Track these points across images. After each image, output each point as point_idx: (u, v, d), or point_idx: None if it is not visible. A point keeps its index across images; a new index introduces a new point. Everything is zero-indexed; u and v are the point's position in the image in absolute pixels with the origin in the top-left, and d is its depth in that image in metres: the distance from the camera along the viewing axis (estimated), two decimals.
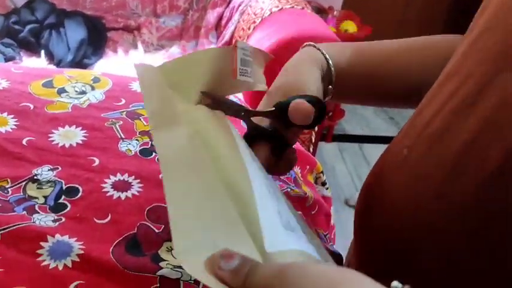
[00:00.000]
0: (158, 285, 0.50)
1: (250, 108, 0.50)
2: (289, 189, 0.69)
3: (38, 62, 1.69)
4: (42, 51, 1.74)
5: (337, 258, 0.65)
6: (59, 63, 1.70)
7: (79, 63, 1.72)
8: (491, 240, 0.33)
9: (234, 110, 0.48)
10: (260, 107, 0.51)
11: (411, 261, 0.39)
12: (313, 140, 1.78)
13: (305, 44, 0.57)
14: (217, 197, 0.32)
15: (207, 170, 0.34)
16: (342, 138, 2.43)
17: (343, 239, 0.84)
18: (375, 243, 0.45)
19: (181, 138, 0.35)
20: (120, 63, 1.76)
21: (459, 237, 0.35)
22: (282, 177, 0.72)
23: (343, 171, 2.19)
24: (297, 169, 0.79)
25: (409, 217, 0.39)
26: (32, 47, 1.77)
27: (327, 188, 0.87)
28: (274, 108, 0.47)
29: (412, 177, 0.40)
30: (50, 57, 1.73)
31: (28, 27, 1.79)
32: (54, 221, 0.57)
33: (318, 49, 0.54)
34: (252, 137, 0.49)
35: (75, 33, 1.81)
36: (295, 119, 0.46)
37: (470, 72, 0.38)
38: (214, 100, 0.45)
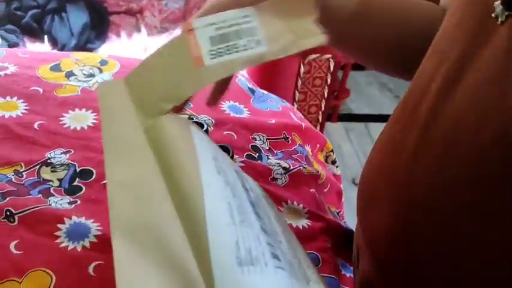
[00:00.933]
0: None
1: None
2: (301, 168, 0.69)
3: (42, 48, 1.69)
4: (46, 37, 1.73)
5: (350, 234, 0.66)
6: (62, 48, 1.69)
7: (83, 47, 1.71)
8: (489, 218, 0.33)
9: None
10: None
11: (413, 243, 0.39)
12: (320, 120, 1.77)
13: None
14: (168, 236, 0.30)
15: (160, 200, 0.32)
16: (348, 118, 2.42)
17: (351, 218, 0.84)
18: (376, 227, 0.45)
19: (133, 171, 0.34)
20: (124, 47, 1.75)
21: (453, 215, 0.35)
22: (294, 156, 0.72)
23: (350, 150, 2.19)
24: (307, 147, 0.79)
25: (406, 199, 0.39)
26: (35, 32, 1.76)
27: (337, 167, 0.87)
28: None
29: (407, 159, 0.39)
30: (53, 42, 1.72)
31: (30, 12, 1.78)
32: (70, 203, 0.58)
33: None
34: None
35: (78, 17, 1.79)
36: None
37: (449, 49, 0.37)
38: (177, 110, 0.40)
